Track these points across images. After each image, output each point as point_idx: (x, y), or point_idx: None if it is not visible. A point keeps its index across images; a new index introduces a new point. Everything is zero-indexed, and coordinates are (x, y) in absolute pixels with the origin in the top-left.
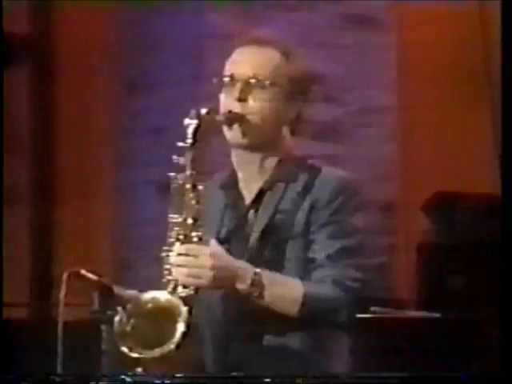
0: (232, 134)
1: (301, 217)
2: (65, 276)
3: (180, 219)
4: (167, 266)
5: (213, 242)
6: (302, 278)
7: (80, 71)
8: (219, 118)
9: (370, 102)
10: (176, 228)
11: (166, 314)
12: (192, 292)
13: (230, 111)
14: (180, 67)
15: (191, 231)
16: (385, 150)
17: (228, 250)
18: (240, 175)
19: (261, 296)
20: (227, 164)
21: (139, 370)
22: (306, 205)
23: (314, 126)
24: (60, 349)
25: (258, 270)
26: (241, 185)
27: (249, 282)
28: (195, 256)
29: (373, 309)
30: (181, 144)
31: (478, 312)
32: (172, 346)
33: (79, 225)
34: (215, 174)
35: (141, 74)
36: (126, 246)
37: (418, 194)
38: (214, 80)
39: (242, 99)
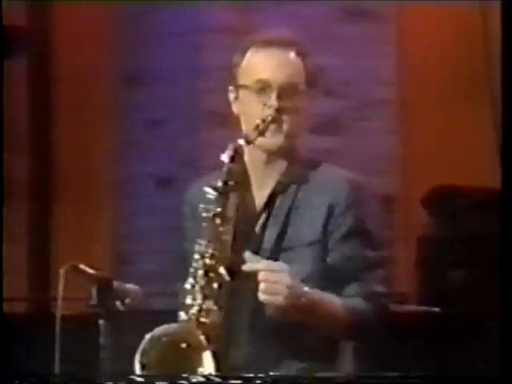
0: (263, 140)
1: (318, 222)
2: (63, 270)
3: (208, 250)
4: (188, 291)
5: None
6: (321, 289)
7: (79, 65)
8: (255, 136)
9: (370, 96)
10: (201, 257)
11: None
12: (215, 319)
13: (263, 120)
14: (179, 60)
15: (219, 264)
16: (384, 144)
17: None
18: (252, 174)
19: (311, 312)
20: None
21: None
22: (322, 210)
23: (313, 120)
24: (58, 343)
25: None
26: (253, 186)
27: (304, 300)
28: (273, 271)
29: None
30: (214, 184)
31: (478, 306)
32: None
33: (78, 219)
34: (219, 169)
35: (140, 66)
36: (124, 240)
37: (418, 188)
38: (246, 83)
39: (280, 108)
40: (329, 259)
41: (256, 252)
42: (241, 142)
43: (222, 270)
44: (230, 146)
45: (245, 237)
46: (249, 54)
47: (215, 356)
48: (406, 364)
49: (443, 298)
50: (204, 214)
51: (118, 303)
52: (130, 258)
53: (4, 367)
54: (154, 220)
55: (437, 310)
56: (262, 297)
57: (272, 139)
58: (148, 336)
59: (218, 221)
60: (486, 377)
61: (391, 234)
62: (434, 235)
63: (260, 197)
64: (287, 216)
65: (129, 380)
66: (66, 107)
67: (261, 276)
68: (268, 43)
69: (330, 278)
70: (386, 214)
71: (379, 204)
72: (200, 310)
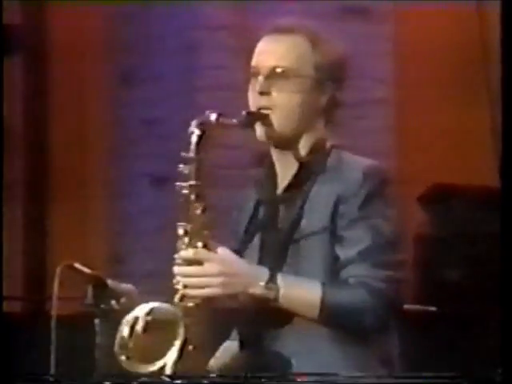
0: (258, 130)
1: (327, 209)
2: (58, 269)
3: (185, 229)
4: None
5: (221, 248)
6: (329, 277)
7: (74, 64)
8: (233, 122)
9: (367, 94)
10: (183, 238)
11: (167, 327)
12: (199, 301)
13: (248, 112)
14: (174, 59)
15: (197, 241)
16: (381, 142)
17: (261, 248)
18: (277, 168)
19: (276, 300)
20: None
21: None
22: (331, 197)
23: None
24: (53, 342)
25: (272, 273)
26: (278, 178)
27: (262, 285)
28: (200, 263)
29: None
30: (184, 154)
31: (476, 306)
32: (162, 364)
33: (73, 218)
34: (256, 169)
35: (136, 66)
36: (120, 240)
37: (415, 187)
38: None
39: (264, 92)
40: (336, 245)
41: (271, 243)
42: (212, 117)
43: (199, 244)
44: (198, 120)
45: (263, 228)
46: (259, 43)
47: (182, 349)
48: (402, 364)
49: (440, 297)
50: (182, 192)
51: (113, 302)
52: (125, 257)
53: (1, 367)
54: (150, 219)
55: (434, 309)
56: (192, 292)
57: (262, 130)
58: (135, 312)
59: (193, 196)
60: (485, 377)
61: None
62: (431, 234)
63: (282, 188)
64: (301, 207)
65: (125, 379)
66: (61, 106)
67: (188, 271)
68: (272, 31)
69: (338, 264)
70: None
71: (394, 192)
72: (183, 295)
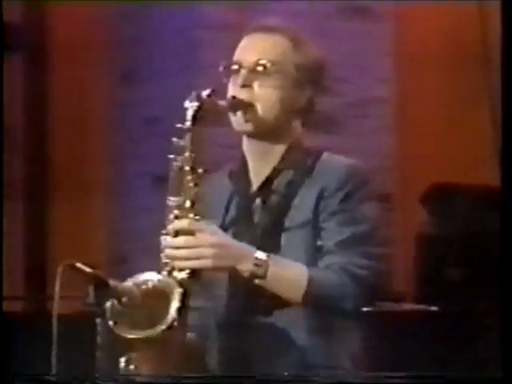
0: (236, 120)
1: (309, 204)
2: (60, 269)
3: (178, 202)
4: (164, 248)
5: (213, 225)
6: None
7: (74, 63)
8: (222, 103)
9: (367, 93)
10: (173, 211)
11: (160, 296)
12: (188, 275)
13: (233, 97)
14: (174, 58)
15: (188, 214)
16: (382, 141)
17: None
18: (250, 163)
19: (264, 277)
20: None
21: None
22: (314, 192)
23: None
24: (55, 342)
25: (261, 252)
26: (251, 173)
27: (252, 261)
28: (193, 234)
29: None
30: (179, 125)
31: (477, 304)
32: (160, 329)
33: (74, 217)
34: (227, 163)
35: (135, 64)
36: (121, 239)
37: (416, 186)
38: (221, 67)
39: (245, 85)
40: (317, 237)
41: (251, 236)
42: (205, 93)
43: (190, 216)
44: (193, 95)
45: (238, 219)
46: (242, 41)
47: (184, 297)
48: (403, 363)
49: (441, 296)
50: (174, 164)
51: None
52: (126, 256)
53: (1, 367)
54: (151, 218)
55: (435, 308)
56: (183, 264)
57: (242, 120)
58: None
59: (187, 168)
60: (485, 376)
61: (389, 232)
62: (432, 233)
63: (257, 183)
64: (281, 201)
65: (125, 379)
66: (62, 106)
67: (179, 242)
68: (256, 29)
69: (319, 254)
70: (384, 212)
71: (376, 191)
72: (173, 268)
